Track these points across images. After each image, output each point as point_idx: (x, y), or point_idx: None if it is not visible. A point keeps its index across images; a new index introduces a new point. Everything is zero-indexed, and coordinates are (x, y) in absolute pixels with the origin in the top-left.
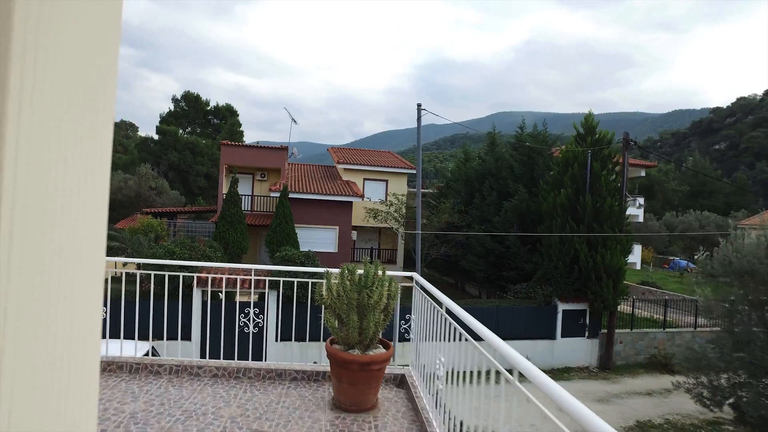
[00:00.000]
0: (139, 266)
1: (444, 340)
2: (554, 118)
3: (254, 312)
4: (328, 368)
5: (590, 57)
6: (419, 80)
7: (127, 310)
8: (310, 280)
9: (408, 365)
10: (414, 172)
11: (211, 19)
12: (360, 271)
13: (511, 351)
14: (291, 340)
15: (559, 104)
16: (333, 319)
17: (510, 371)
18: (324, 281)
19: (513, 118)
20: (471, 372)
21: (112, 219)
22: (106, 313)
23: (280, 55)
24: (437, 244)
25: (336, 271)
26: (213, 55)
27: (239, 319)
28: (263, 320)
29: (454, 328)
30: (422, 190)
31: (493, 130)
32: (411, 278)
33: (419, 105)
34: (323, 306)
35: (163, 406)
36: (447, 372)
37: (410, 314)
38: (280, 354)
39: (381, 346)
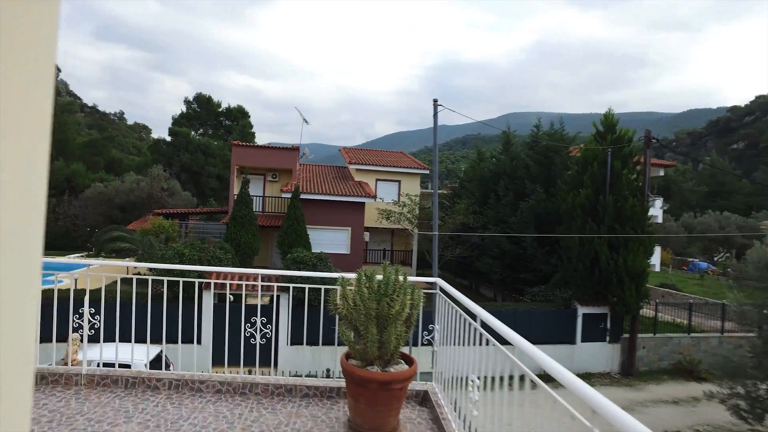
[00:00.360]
0: (150, 269)
1: (477, 356)
2: (566, 118)
3: (261, 321)
4: (343, 383)
5: (602, 57)
6: (430, 82)
7: (138, 313)
8: (323, 287)
9: (431, 381)
10: (427, 172)
11: (223, 23)
12: (379, 277)
13: (577, 382)
14: (303, 344)
15: (570, 105)
16: (349, 332)
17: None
18: (338, 288)
19: (524, 119)
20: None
21: (125, 220)
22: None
23: (291, 58)
24: (451, 245)
25: (352, 276)
26: (225, 58)
27: (245, 329)
28: (273, 326)
29: (492, 344)
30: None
31: (508, 129)
32: (433, 284)
33: (435, 101)
34: (337, 316)
35: (158, 428)
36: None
37: (432, 323)
38: (291, 359)
39: (403, 361)
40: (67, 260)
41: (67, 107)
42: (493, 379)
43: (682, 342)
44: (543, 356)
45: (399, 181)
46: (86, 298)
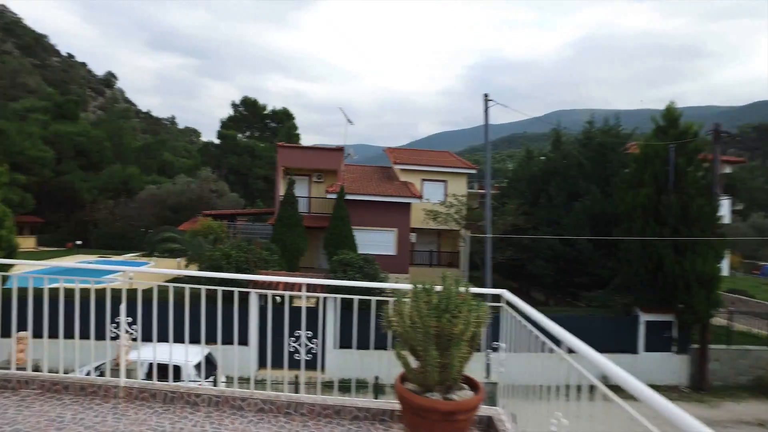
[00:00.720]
0: (201, 268)
1: (560, 384)
2: (617, 115)
3: (307, 336)
4: (397, 405)
5: (655, 50)
6: (473, 81)
7: (182, 315)
8: (373, 298)
9: (496, 405)
10: (474, 172)
11: (267, 27)
12: (438, 288)
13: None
14: (351, 347)
15: (621, 101)
16: (405, 353)
17: None
18: (392, 301)
19: (571, 117)
20: None
21: (176, 221)
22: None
23: (334, 60)
24: (501, 247)
25: (406, 286)
26: (270, 62)
27: (289, 344)
28: (320, 330)
29: (581, 379)
30: (483, 191)
31: (558, 126)
32: (498, 297)
33: (486, 95)
34: (390, 331)
35: None
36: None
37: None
38: (338, 363)
39: (466, 386)
40: (123, 260)
41: (124, 113)
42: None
43: (764, 356)
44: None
45: (445, 181)
46: (139, 299)
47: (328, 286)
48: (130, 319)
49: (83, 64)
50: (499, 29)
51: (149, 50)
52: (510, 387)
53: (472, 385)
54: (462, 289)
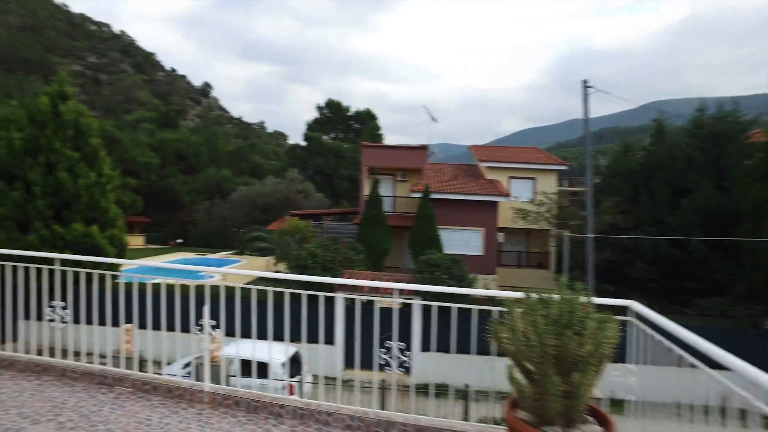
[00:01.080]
0: (289, 266)
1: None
2: (729, 103)
3: (400, 348)
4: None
5: None
6: (560, 74)
7: (274, 312)
8: (473, 307)
9: None
10: (565, 168)
11: (350, 32)
12: (556, 297)
13: None
14: (443, 351)
15: (729, 86)
16: (519, 375)
17: None
18: (498, 312)
19: (671, 107)
20: None
21: (265, 221)
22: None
23: (415, 60)
24: (596, 248)
25: (516, 294)
26: (353, 65)
27: (379, 356)
28: (407, 332)
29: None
30: (573, 189)
31: (660, 116)
32: (624, 308)
33: (585, 81)
34: (500, 347)
35: None
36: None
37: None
38: (424, 366)
39: (592, 418)
40: (218, 257)
41: (218, 120)
42: None
43: None
44: None
45: (533, 179)
46: (222, 296)
47: (423, 293)
48: (214, 322)
49: (183, 77)
50: (585, 19)
51: (241, 60)
52: (639, 409)
53: (600, 418)
54: (583, 299)
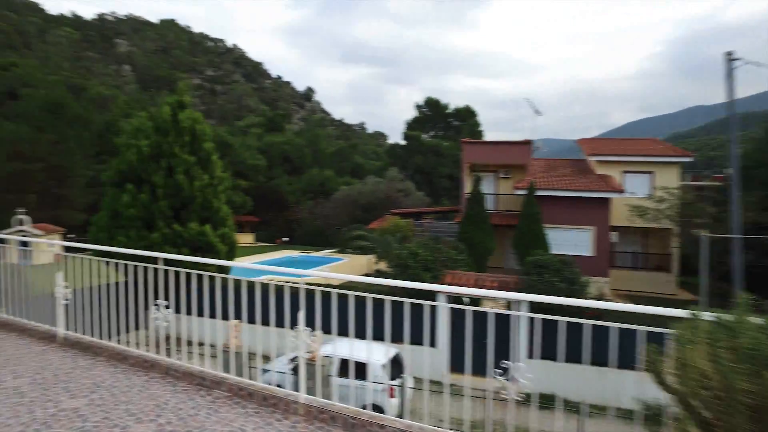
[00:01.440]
0: (389, 265)
1: None
2: None
3: (517, 366)
4: None
5: None
6: (677, 57)
7: (375, 312)
8: (616, 325)
9: None
10: (689, 160)
11: (447, 29)
12: (746, 322)
13: None
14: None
15: None
16: (692, 427)
17: None
18: (671, 338)
19: None
20: None
21: (366, 220)
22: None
23: (516, 54)
24: (731, 249)
25: (675, 312)
26: (451, 63)
27: (494, 376)
28: (511, 337)
29: None
30: (700, 183)
31: None
32: None
33: (729, 53)
34: (659, 382)
35: None
36: None
37: None
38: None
39: None
40: (321, 255)
41: (320, 123)
42: None
43: None
44: None
45: (652, 173)
46: (317, 295)
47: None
48: (309, 329)
49: (288, 83)
50: None
51: (341, 64)
52: None
53: None
54: None
